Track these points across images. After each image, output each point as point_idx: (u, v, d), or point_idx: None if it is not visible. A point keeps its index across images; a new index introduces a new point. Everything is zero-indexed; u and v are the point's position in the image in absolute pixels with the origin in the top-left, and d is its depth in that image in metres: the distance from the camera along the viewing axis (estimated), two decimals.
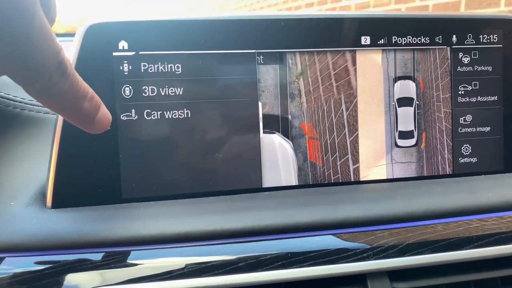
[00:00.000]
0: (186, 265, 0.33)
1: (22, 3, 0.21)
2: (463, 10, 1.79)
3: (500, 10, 1.71)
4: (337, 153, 0.43)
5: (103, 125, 0.29)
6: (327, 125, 0.43)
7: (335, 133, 0.43)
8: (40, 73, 0.23)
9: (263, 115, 0.41)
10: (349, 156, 0.43)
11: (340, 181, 0.43)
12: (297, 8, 3.14)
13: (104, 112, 0.29)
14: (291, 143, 0.42)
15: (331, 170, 0.43)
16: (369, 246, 0.35)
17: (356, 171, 0.43)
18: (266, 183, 0.41)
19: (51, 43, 0.23)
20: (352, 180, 0.43)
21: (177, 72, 0.39)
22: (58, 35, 1.11)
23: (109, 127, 0.30)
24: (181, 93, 0.40)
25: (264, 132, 0.41)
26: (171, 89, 0.39)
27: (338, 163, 0.43)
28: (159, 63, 0.39)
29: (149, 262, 0.33)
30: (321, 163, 0.43)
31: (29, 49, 0.22)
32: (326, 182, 0.43)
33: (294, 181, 0.42)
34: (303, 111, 0.42)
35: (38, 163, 0.41)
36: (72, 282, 0.32)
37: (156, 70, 0.39)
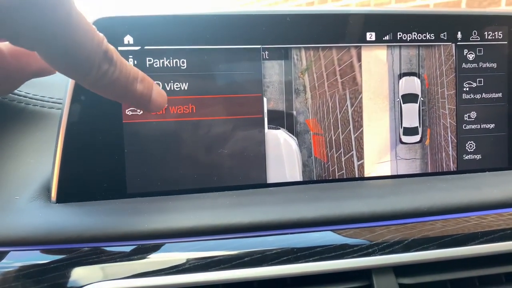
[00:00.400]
0: (192, 260, 0.33)
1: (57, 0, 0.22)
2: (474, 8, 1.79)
3: (500, 9, 1.70)
4: (342, 149, 0.43)
5: (160, 104, 0.30)
6: (332, 121, 0.43)
7: (340, 129, 0.43)
8: (89, 64, 0.24)
9: (268, 111, 0.41)
10: (354, 152, 0.43)
11: (345, 177, 0.43)
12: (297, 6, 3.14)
13: (158, 91, 0.30)
14: (296, 139, 0.42)
15: (336, 166, 0.43)
16: (374, 242, 0.35)
17: (361, 167, 0.43)
18: (271, 179, 0.41)
19: (92, 34, 0.24)
20: (357, 176, 0.43)
21: (182, 67, 0.39)
22: None
23: (166, 105, 0.31)
24: (186, 88, 0.40)
25: (269, 128, 0.41)
26: (176, 84, 0.39)
27: (343, 159, 0.43)
28: (164, 58, 0.39)
29: (154, 257, 0.33)
30: (325, 159, 0.42)
31: (73, 42, 0.23)
32: (331, 178, 0.42)
33: (298, 177, 0.42)
34: (308, 107, 0.42)
35: (43, 157, 0.41)
36: (77, 276, 0.32)
37: (161, 65, 0.39)
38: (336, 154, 0.43)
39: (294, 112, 0.42)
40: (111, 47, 0.26)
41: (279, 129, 0.42)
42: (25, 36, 0.22)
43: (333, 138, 0.43)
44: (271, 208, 0.36)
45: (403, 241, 0.35)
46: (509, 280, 0.38)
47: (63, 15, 0.22)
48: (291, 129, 0.42)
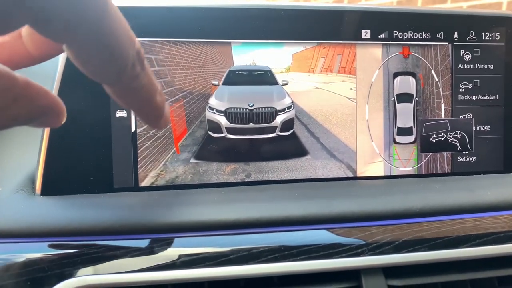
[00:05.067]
0: (177, 256, 0.32)
1: None
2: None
3: (508, 11, 1.70)
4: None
5: (167, 122, 0.27)
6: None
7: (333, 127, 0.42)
8: (123, 63, 0.21)
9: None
10: (347, 151, 0.42)
11: (337, 176, 0.42)
12: None
13: (168, 107, 0.27)
14: None
15: (327, 165, 0.42)
16: (364, 242, 0.34)
17: (353, 166, 0.42)
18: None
19: (127, 31, 0.21)
20: (349, 176, 0.42)
21: (173, 61, 0.39)
22: None
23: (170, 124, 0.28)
24: (176, 82, 0.39)
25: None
26: (166, 78, 0.39)
27: (335, 158, 0.42)
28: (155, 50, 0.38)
29: (137, 252, 0.32)
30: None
31: (110, 33, 0.20)
32: (322, 177, 0.42)
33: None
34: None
35: (29, 149, 0.40)
36: (58, 270, 0.31)
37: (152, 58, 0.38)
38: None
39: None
40: (142, 49, 0.23)
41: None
42: (57, 20, 0.17)
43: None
44: (260, 205, 0.35)
45: (393, 242, 0.34)
46: (502, 284, 0.37)
47: (102, 3, 0.19)
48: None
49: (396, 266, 0.34)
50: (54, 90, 0.36)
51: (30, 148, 0.39)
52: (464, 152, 0.44)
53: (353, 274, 0.34)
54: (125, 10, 0.37)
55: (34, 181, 0.37)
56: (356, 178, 0.42)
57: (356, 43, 0.42)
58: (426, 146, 0.44)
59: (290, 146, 0.41)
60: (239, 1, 0.40)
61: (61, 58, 0.36)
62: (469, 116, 0.45)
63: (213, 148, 0.40)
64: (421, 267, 0.35)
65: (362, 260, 0.33)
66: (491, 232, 0.36)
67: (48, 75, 0.40)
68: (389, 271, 0.34)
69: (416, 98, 0.44)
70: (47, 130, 0.36)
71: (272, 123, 0.41)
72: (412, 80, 0.44)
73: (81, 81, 0.36)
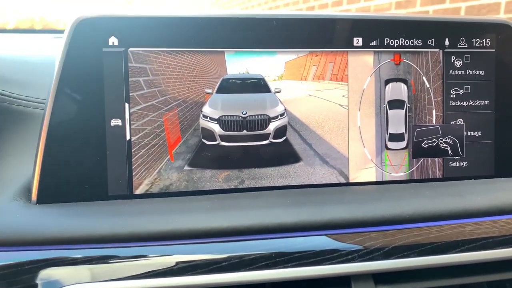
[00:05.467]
0: (169, 264, 0.32)
1: None
2: (463, 15, 1.80)
3: (499, 17, 1.71)
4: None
5: None
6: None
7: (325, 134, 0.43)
8: None
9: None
10: (339, 157, 0.43)
11: (329, 182, 0.43)
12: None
13: None
14: None
15: (320, 171, 0.42)
16: (354, 248, 0.35)
17: (346, 172, 0.43)
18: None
19: None
20: (341, 181, 0.43)
21: (167, 70, 0.39)
22: (57, 31, 1.11)
23: None
24: (170, 90, 0.39)
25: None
26: (160, 87, 0.39)
27: (328, 164, 0.43)
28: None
29: (131, 260, 0.33)
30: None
31: None
32: (314, 183, 0.42)
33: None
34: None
35: (26, 158, 0.41)
36: (53, 278, 0.32)
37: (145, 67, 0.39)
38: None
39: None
40: None
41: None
42: None
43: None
44: (252, 212, 0.35)
45: (383, 248, 0.35)
46: None
47: None
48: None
49: (386, 272, 0.35)
50: (50, 99, 0.37)
51: (27, 157, 0.40)
52: (455, 158, 0.45)
53: (344, 280, 0.34)
54: (119, 20, 0.37)
55: (30, 190, 0.37)
56: (348, 184, 0.43)
57: (348, 51, 0.42)
58: (417, 151, 0.44)
59: (283, 153, 0.42)
60: (232, 10, 0.40)
61: (57, 68, 0.37)
62: (460, 121, 0.45)
63: (207, 156, 0.41)
64: (411, 272, 0.35)
65: (352, 266, 0.34)
66: (480, 238, 0.37)
67: (44, 85, 0.41)
68: (379, 277, 0.35)
69: (408, 105, 0.44)
70: (43, 139, 0.37)
71: (265, 130, 0.42)
72: (403, 86, 0.44)
73: (76, 91, 0.37)
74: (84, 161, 0.38)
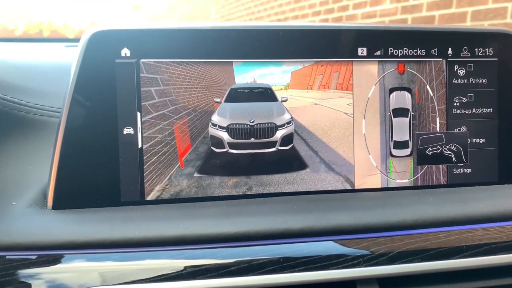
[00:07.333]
0: (180, 268, 0.34)
1: None
2: (470, 21, 1.80)
3: (506, 22, 1.71)
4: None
5: None
6: None
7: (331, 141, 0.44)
8: None
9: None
10: (345, 164, 0.44)
11: (335, 188, 0.44)
12: (304, 17, 3.16)
13: None
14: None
15: (326, 178, 0.44)
16: (360, 253, 0.36)
17: (351, 179, 0.44)
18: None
19: None
20: (347, 188, 0.44)
21: (177, 80, 0.41)
22: (68, 39, 1.13)
23: None
24: (181, 100, 0.41)
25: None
26: (171, 97, 0.41)
27: (333, 171, 0.44)
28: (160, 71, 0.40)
29: (144, 264, 0.34)
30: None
31: None
32: (321, 189, 0.43)
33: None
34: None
35: (41, 165, 0.42)
36: (70, 282, 0.33)
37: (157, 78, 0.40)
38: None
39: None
40: None
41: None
42: None
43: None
44: (259, 218, 0.36)
45: (388, 253, 0.36)
46: None
47: None
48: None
49: (391, 277, 0.35)
50: (65, 108, 0.38)
51: (42, 165, 0.42)
52: (459, 164, 0.46)
53: (350, 285, 0.35)
54: (131, 32, 0.39)
55: (46, 196, 0.38)
56: (354, 191, 0.44)
57: (352, 61, 0.44)
58: (422, 158, 0.45)
59: (290, 160, 0.43)
60: (239, 22, 0.42)
61: (71, 78, 0.38)
62: (464, 129, 0.46)
63: (215, 163, 0.42)
64: (415, 277, 0.36)
65: (358, 271, 0.35)
66: (484, 244, 0.38)
67: (59, 95, 0.42)
68: (384, 282, 0.36)
69: (412, 113, 0.45)
70: (58, 147, 0.38)
71: (272, 138, 0.43)
72: (407, 95, 0.45)
73: (90, 100, 0.38)
74: (97, 169, 0.39)
